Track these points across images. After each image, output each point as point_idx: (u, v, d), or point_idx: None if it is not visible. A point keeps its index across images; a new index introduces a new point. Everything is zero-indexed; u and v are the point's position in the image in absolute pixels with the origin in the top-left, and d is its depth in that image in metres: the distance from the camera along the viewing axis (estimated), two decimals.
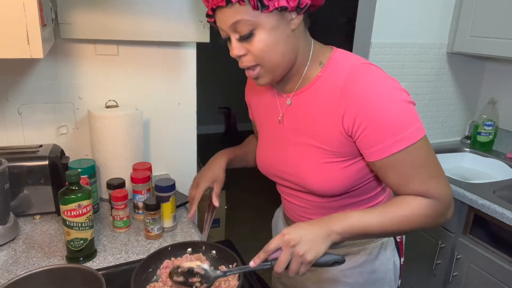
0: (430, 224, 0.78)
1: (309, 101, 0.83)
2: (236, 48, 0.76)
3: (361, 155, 0.81)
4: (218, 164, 1.04)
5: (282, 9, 0.71)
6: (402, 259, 1.00)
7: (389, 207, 0.77)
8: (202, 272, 0.74)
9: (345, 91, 0.76)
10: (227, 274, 0.76)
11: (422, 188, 0.76)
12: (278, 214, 1.15)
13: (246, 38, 0.74)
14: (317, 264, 0.72)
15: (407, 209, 0.76)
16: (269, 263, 0.73)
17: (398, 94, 0.74)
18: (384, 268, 0.96)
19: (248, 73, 0.80)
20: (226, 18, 0.73)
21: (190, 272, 0.74)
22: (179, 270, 0.74)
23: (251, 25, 0.72)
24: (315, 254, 0.70)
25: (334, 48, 0.84)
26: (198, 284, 0.74)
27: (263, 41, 0.74)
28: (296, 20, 0.75)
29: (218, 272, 0.75)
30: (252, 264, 0.73)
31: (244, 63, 0.78)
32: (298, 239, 0.70)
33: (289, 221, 1.02)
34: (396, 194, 0.81)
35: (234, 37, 0.75)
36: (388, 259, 0.96)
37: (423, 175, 0.76)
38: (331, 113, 0.78)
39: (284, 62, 0.78)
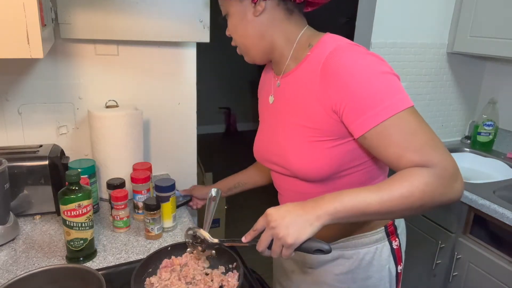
0: (437, 198, 0.68)
1: (296, 80, 0.85)
2: (227, 29, 0.89)
3: (351, 135, 0.77)
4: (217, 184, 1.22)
5: None
6: (400, 267, 0.96)
7: (386, 182, 0.70)
8: (202, 237, 0.87)
9: (325, 68, 0.76)
10: (223, 242, 0.85)
11: (419, 156, 0.69)
12: None
13: (225, 20, 0.87)
14: (300, 249, 0.69)
15: (407, 183, 0.68)
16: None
17: (377, 66, 0.73)
18: (378, 275, 0.93)
19: (239, 50, 0.91)
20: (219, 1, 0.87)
21: (195, 235, 0.88)
22: (189, 232, 0.90)
23: (225, 10, 0.86)
24: (295, 238, 0.67)
25: (328, 33, 0.84)
26: (200, 247, 0.88)
27: (230, 25, 0.87)
28: (259, 7, 0.81)
29: (215, 240, 0.86)
30: (243, 239, 0.78)
31: (233, 42, 0.90)
32: (279, 220, 0.68)
33: None
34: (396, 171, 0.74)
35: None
36: (383, 266, 0.93)
37: (417, 142, 0.69)
38: (315, 90, 0.79)
39: (250, 45, 0.87)
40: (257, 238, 0.74)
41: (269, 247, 0.72)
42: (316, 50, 0.81)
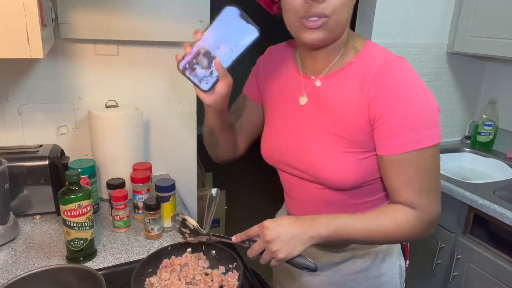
0: (413, 238, 0.78)
1: (338, 85, 0.81)
2: None
3: (374, 149, 0.79)
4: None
5: None
6: (408, 262, 0.99)
7: (377, 216, 0.77)
8: (192, 227, 0.87)
9: (378, 77, 0.75)
10: (211, 236, 0.86)
11: (416, 198, 0.75)
12: (281, 214, 1.12)
13: None
14: (288, 262, 0.74)
15: (394, 221, 0.76)
16: (248, 243, 0.77)
17: (428, 95, 0.75)
18: (390, 272, 0.94)
19: (312, 23, 0.73)
20: None
21: (183, 222, 0.88)
22: (177, 217, 0.89)
23: None
24: (287, 254, 0.72)
25: (368, 40, 0.84)
26: (187, 235, 0.88)
27: None
28: None
29: (203, 231, 0.87)
30: (233, 239, 0.79)
31: (317, 9, 0.72)
32: (275, 236, 0.72)
33: None
34: (391, 198, 0.80)
35: None
36: (394, 263, 0.94)
37: (420, 184, 0.75)
38: (359, 98, 0.77)
39: (342, 26, 0.76)
40: (245, 240, 0.79)
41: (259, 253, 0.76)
42: (362, 57, 0.79)
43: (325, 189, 0.86)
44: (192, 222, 0.87)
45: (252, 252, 0.75)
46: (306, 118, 0.85)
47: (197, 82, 0.75)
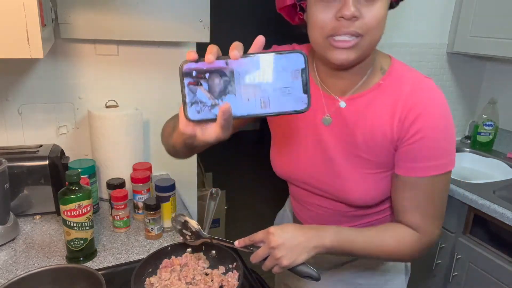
0: (409, 258, 0.80)
1: (365, 108, 0.76)
2: (352, 5, 0.63)
3: (393, 167, 0.79)
4: None
5: None
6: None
7: (381, 234, 0.78)
8: (193, 229, 0.86)
9: (410, 101, 0.72)
10: (213, 240, 0.85)
11: (421, 222, 0.76)
12: (283, 216, 1.12)
13: None
14: (291, 270, 0.74)
15: (398, 241, 0.77)
16: (251, 249, 0.77)
17: (451, 120, 0.75)
18: (395, 269, 0.96)
19: (342, 43, 0.66)
20: None
21: (185, 224, 0.87)
22: (178, 219, 0.88)
23: None
24: (291, 261, 0.72)
25: (390, 55, 0.81)
26: (188, 237, 0.87)
27: (382, 11, 0.66)
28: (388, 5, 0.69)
29: (205, 234, 0.85)
30: (236, 243, 0.79)
31: (350, 27, 0.65)
32: (279, 242, 0.72)
33: (297, 223, 1.00)
34: (396, 217, 0.81)
35: None
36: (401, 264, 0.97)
37: (430, 210, 0.76)
38: (389, 121, 0.74)
39: (374, 46, 0.71)
40: (248, 245, 0.78)
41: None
42: (391, 79, 0.76)
43: (340, 203, 0.86)
44: (194, 224, 0.87)
45: (255, 257, 0.75)
46: (331, 140, 0.81)
47: (187, 101, 0.53)
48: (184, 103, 0.53)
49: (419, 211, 0.76)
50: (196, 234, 0.86)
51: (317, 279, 0.74)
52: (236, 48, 0.49)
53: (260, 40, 0.50)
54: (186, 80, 0.53)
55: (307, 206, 0.94)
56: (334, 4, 0.65)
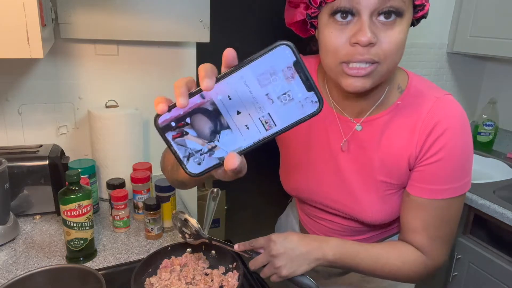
0: (413, 280, 0.77)
1: (382, 130, 0.73)
2: (370, 32, 0.58)
3: (406, 186, 0.76)
4: None
5: (418, 9, 0.62)
6: None
7: (386, 252, 0.75)
8: (193, 228, 0.84)
9: (433, 117, 0.68)
10: (212, 241, 0.84)
11: (428, 244, 0.73)
12: (285, 222, 1.09)
13: (389, 21, 0.59)
14: (289, 280, 0.73)
15: (402, 261, 0.74)
16: (251, 254, 0.76)
17: (471, 140, 0.71)
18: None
19: (357, 70, 0.61)
20: None
21: (185, 222, 0.85)
22: (178, 216, 0.86)
23: (402, 8, 0.58)
24: (291, 272, 0.70)
25: (406, 70, 0.76)
26: (187, 236, 0.85)
27: (401, 36, 0.60)
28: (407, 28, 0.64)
29: (205, 235, 0.84)
30: (236, 247, 0.78)
31: (366, 55, 0.60)
32: (281, 252, 0.70)
33: (303, 231, 0.99)
34: (402, 235, 0.78)
35: (368, 16, 0.58)
36: None
37: (438, 233, 0.73)
38: (408, 142, 0.71)
39: (393, 71, 0.67)
40: (248, 250, 0.78)
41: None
42: (409, 99, 0.72)
43: (354, 221, 0.84)
44: (194, 223, 0.86)
45: (254, 264, 0.74)
46: (346, 163, 0.78)
47: (181, 157, 0.44)
48: (179, 160, 0.44)
49: (427, 233, 0.73)
50: (196, 234, 0.85)
51: None
52: (205, 75, 0.39)
53: (228, 54, 0.39)
54: (169, 135, 0.43)
55: (317, 220, 0.92)
56: (349, 26, 0.60)
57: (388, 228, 0.87)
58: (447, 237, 0.74)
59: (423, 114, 0.69)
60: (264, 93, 0.40)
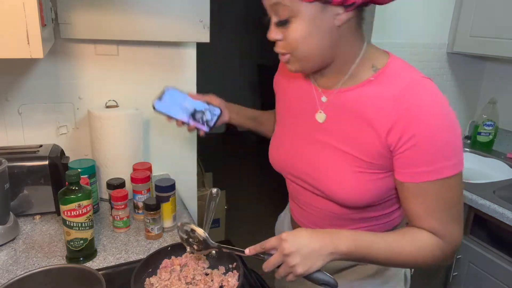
0: (432, 265, 0.76)
1: (354, 104, 0.77)
2: (273, 32, 0.74)
3: (391, 170, 0.76)
4: (226, 104, 1.04)
5: (326, 2, 0.67)
6: (412, 271, 0.99)
7: (400, 239, 0.74)
8: (201, 238, 0.82)
9: (400, 103, 0.70)
10: (221, 249, 0.81)
11: (439, 227, 0.73)
12: (284, 218, 1.10)
13: (283, 23, 0.71)
14: (306, 278, 0.71)
15: (417, 246, 0.73)
16: (263, 256, 0.74)
17: (454, 122, 0.70)
18: (394, 282, 0.93)
19: (281, 57, 0.78)
20: None
21: (192, 232, 0.83)
22: (184, 227, 0.84)
23: (290, 12, 0.69)
24: (306, 269, 0.69)
25: (391, 54, 0.78)
26: (195, 246, 0.83)
27: (298, 31, 0.70)
28: (344, 16, 0.69)
29: (214, 243, 0.82)
30: (247, 251, 0.76)
31: (277, 48, 0.76)
32: (293, 249, 0.69)
33: (295, 226, 0.98)
34: (411, 223, 0.77)
35: (273, 20, 0.73)
36: (400, 270, 0.94)
37: (446, 214, 0.73)
38: (377, 122, 0.73)
39: (317, 56, 0.74)
40: (259, 253, 0.75)
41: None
42: (383, 77, 0.74)
43: (333, 204, 0.84)
44: (201, 233, 0.83)
45: (268, 265, 0.72)
46: (320, 134, 0.82)
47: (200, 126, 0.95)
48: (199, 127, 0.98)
49: (434, 216, 0.73)
50: (204, 243, 0.82)
51: (334, 286, 0.71)
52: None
53: None
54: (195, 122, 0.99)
55: (302, 206, 0.93)
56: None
57: (380, 224, 0.86)
58: (455, 215, 0.74)
59: (394, 93, 0.71)
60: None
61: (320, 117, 0.82)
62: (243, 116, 1.09)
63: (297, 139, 0.87)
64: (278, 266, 0.72)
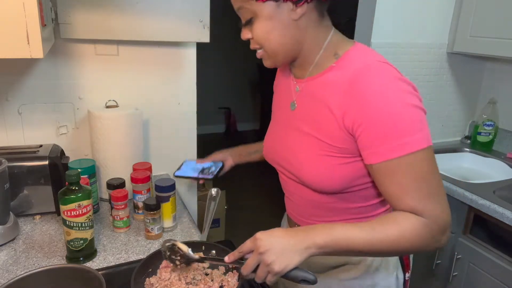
0: (422, 248, 0.72)
1: (318, 90, 0.82)
2: (243, 32, 0.82)
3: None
4: (230, 152, 1.26)
5: (277, 0, 0.74)
6: (408, 275, 0.96)
7: (379, 225, 0.71)
8: (181, 252, 0.80)
9: (350, 87, 0.73)
10: (204, 261, 0.81)
11: (418, 205, 0.70)
12: (284, 217, 1.12)
13: (248, 23, 0.79)
14: (285, 277, 0.69)
15: (399, 229, 0.70)
16: (243, 262, 0.72)
17: (407, 97, 0.70)
18: (384, 282, 0.92)
19: (257, 54, 0.84)
20: (234, 3, 0.80)
21: (172, 249, 0.81)
22: (166, 244, 0.81)
23: (250, 13, 0.77)
24: (283, 266, 0.67)
25: (356, 42, 0.81)
26: (178, 262, 0.81)
27: (259, 29, 0.78)
28: (300, 10, 0.75)
29: (195, 256, 0.81)
30: (226, 259, 0.75)
31: (251, 45, 0.83)
32: (268, 247, 0.68)
33: (291, 222, 1.00)
34: (392, 207, 0.76)
35: (242, 22, 0.81)
36: (390, 273, 0.92)
37: (422, 190, 0.70)
38: (335, 106, 0.76)
39: (282, 50, 0.80)
40: (240, 259, 0.74)
41: (254, 270, 0.71)
42: (342, 63, 0.78)
43: (311, 191, 0.86)
44: (183, 247, 0.80)
45: (246, 268, 0.70)
46: (294, 121, 0.88)
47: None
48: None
49: (410, 195, 0.70)
50: (185, 257, 0.80)
51: (313, 282, 0.69)
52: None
53: None
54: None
55: (289, 196, 0.97)
56: None
57: (364, 215, 0.86)
58: (433, 191, 0.71)
59: (348, 78, 0.74)
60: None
61: (293, 105, 0.89)
62: (246, 155, 1.25)
63: (279, 129, 0.94)
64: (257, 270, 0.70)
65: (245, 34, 0.82)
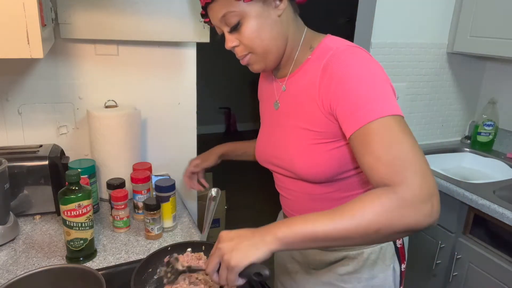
0: (394, 219, 0.62)
1: (297, 84, 0.85)
2: (229, 40, 0.81)
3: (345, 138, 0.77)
4: (214, 151, 1.26)
5: None
6: (403, 266, 0.97)
7: (342, 207, 0.65)
8: (178, 268, 0.83)
9: (324, 71, 0.77)
10: (190, 270, 0.83)
11: (388, 171, 0.65)
12: (280, 213, 1.14)
13: (235, 28, 0.79)
14: (244, 274, 0.65)
15: (362, 204, 0.63)
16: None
17: (376, 70, 0.74)
18: (382, 275, 0.93)
19: (242, 61, 0.85)
20: (215, 13, 0.79)
21: (168, 264, 0.84)
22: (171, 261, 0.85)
23: (238, 16, 0.77)
24: (238, 260, 0.64)
25: (329, 35, 0.85)
26: (169, 275, 0.83)
27: (250, 29, 0.78)
28: (282, 5, 0.78)
29: (183, 268, 0.83)
30: (205, 267, 0.72)
31: (237, 53, 0.83)
32: (226, 242, 0.67)
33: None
34: (371, 184, 0.71)
35: (226, 30, 0.81)
36: (387, 265, 0.93)
37: (391, 155, 0.65)
38: (313, 93, 0.80)
39: (274, 47, 0.81)
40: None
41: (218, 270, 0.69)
42: (317, 52, 0.82)
43: (309, 184, 0.88)
44: (179, 265, 0.84)
45: (209, 266, 0.68)
46: (280, 119, 0.91)
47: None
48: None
49: (381, 162, 0.66)
50: (176, 270, 0.82)
51: (267, 276, 0.64)
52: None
53: None
54: None
55: (284, 194, 0.99)
56: None
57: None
58: (406, 157, 0.65)
59: (323, 63, 0.78)
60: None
61: (276, 105, 0.92)
62: (233, 156, 1.30)
63: (266, 131, 0.97)
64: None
65: (231, 42, 0.81)
